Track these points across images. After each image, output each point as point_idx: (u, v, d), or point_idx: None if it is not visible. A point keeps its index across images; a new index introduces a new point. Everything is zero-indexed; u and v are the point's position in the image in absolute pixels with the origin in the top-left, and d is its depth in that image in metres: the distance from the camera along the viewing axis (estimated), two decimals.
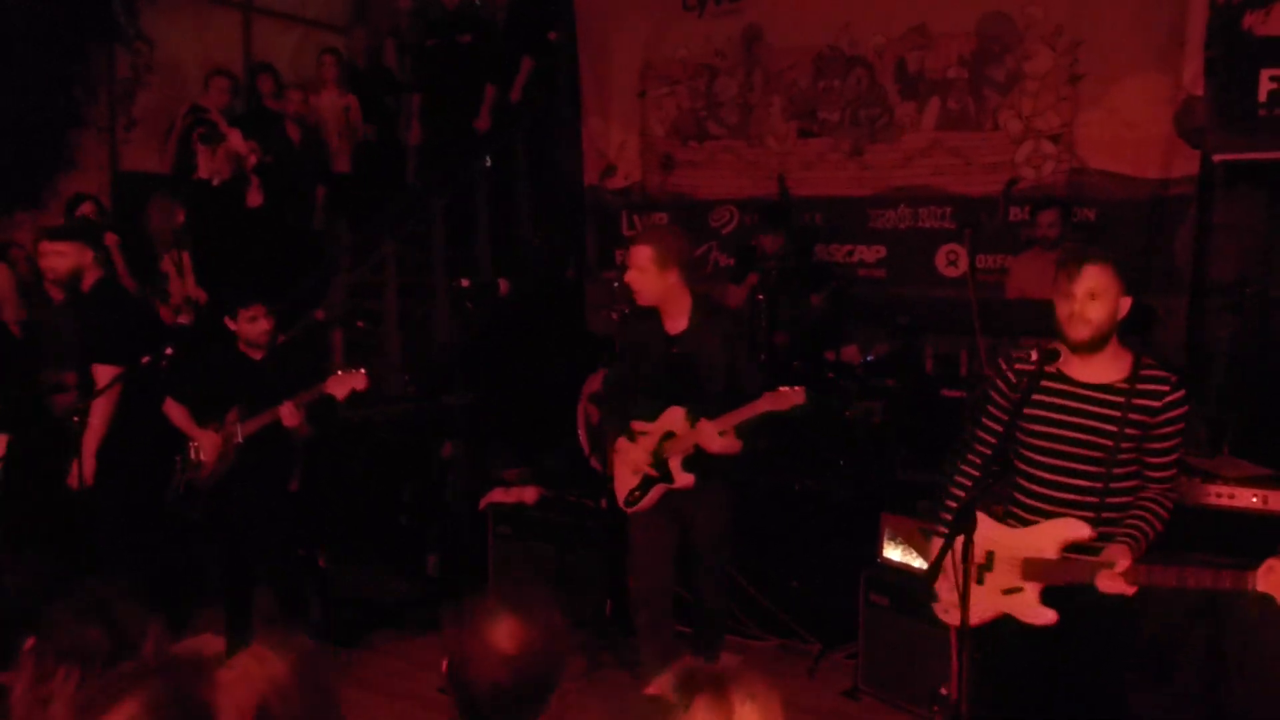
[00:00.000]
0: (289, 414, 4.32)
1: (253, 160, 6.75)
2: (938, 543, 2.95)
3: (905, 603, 4.34)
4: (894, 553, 4.55)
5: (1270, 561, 2.68)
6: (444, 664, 2.02)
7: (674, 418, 3.98)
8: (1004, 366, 3.18)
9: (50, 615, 2.18)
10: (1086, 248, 3.44)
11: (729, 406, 3.85)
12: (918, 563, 4.44)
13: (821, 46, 7.10)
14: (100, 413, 4.45)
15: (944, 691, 4.02)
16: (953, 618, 3.00)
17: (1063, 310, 2.96)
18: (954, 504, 3.10)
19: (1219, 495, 4.05)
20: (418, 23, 8.15)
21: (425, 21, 8.03)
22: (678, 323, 4.03)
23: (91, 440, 4.44)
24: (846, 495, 5.52)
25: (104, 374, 4.46)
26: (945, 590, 3.05)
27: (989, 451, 3.15)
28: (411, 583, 5.70)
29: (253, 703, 1.96)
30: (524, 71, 7.66)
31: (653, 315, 4.07)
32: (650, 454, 4.02)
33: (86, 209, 5.81)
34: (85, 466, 4.42)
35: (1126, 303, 2.97)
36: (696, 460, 3.95)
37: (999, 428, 3.12)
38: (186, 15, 7.38)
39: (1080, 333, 2.93)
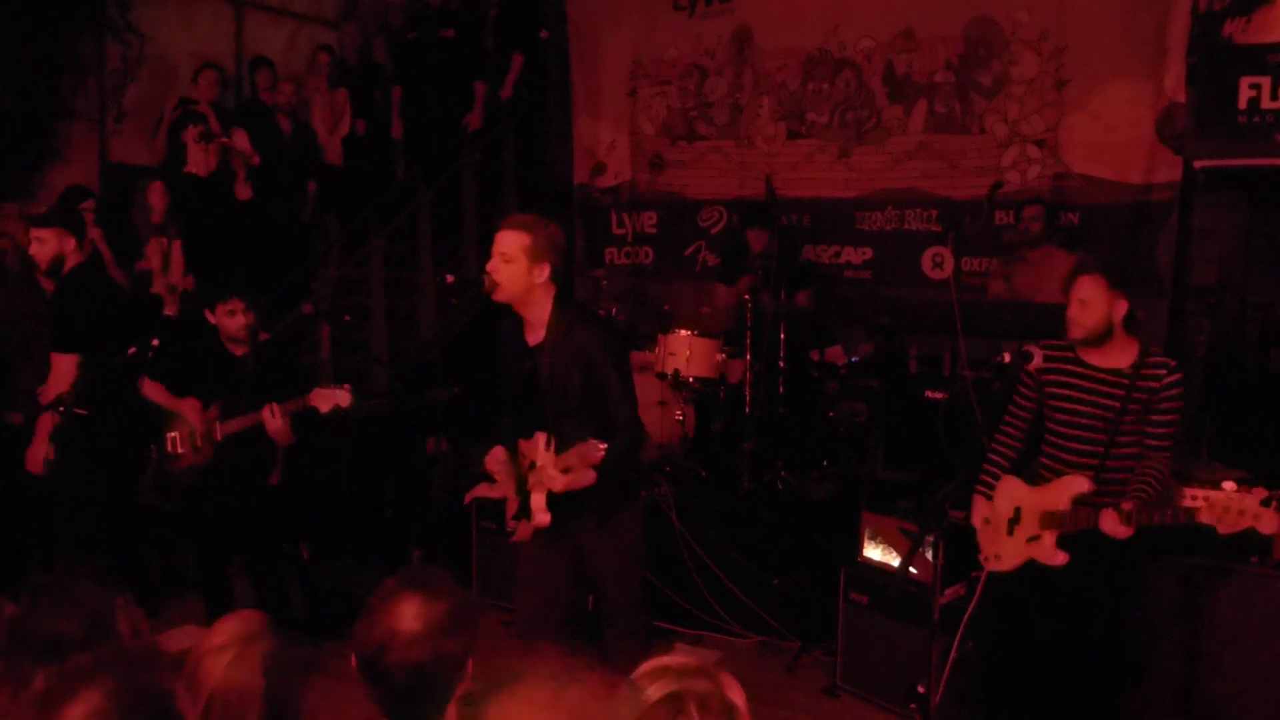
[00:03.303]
0: (270, 420, 4.33)
1: (255, 161, 6.77)
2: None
3: (884, 601, 4.38)
4: (874, 552, 4.59)
5: (1208, 493, 3.24)
6: (352, 662, 2.03)
7: (538, 445, 3.50)
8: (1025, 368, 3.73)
9: (18, 617, 2.17)
10: (1085, 261, 3.62)
11: (591, 435, 3.35)
12: (897, 562, 4.49)
13: (811, 48, 7.13)
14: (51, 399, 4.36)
15: (921, 690, 4.05)
16: (993, 565, 3.69)
17: (1067, 312, 3.53)
18: (987, 477, 3.77)
19: (1193, 498, 4.07)
20: (407, 17, 8.16)
21: (411, 16, 8.04)
22: (536, 333, 3.56)
23: (44, 426, 4.38)
24: (828, 494, 5.56)
25: (60, 363, 4.41)
26: (985, 545, 3.71)
27: (1017, 429, 3.79)
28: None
29: (258, 681, 2.00)
30: (515, 69, 7.68)
31: (519, 318, 3.60)
32: (520, 483, 3.57)
33: (87, 205, 5.80)
34: (36, 451, 4.39)
35: (1122, 305, 3.48)
36: (555, 497, 3.46)
37: (1022, 413, 3.77)
38: (178, 8, 7.37)
39: (1074, 332, 3.52)
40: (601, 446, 3.32)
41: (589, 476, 3.42)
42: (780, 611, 4.98)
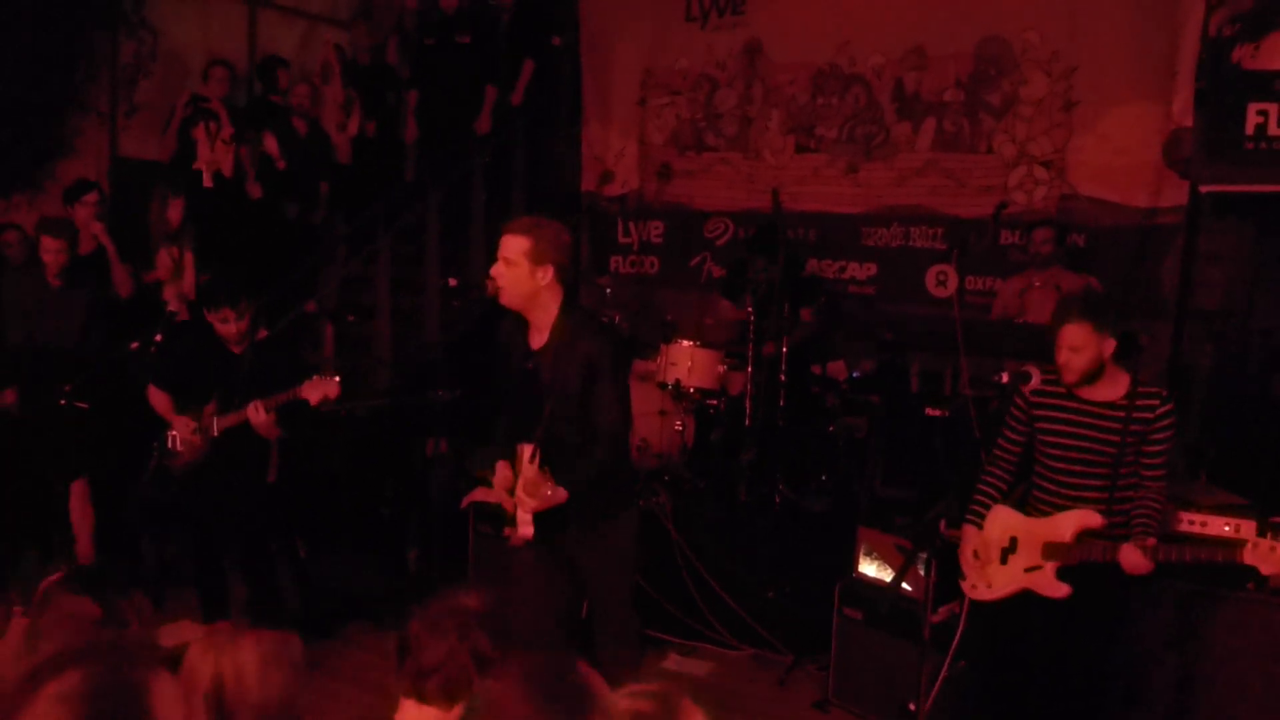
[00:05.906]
0: (255, 414, 4.35)
1: (282, 165, 6.79)
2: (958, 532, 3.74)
3: (877, 617, 4.37)
4: (869, 567, 4.58)
5: (1254, 539, 3.24)
6: None
7: (523, 458, 3.42)
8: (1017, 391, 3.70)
9: (46, 590, 2.21)
10: (1069, 305, 3.55)
11: (584, 442, 3.33)
12: (891, 578, 4.48)
13: (821, 63, 7.15)
14: None
15: (912, 707, 4.04)
16: (978, 594, 3.67)
17: (1057, 358, 3.49)
18: (977, 506, 3.72)
19: (1191, 522, 4.07)
20: (422, 21, 8.19)
21: (426, 20, 8.08)
22: (540, 335, 3.51)
23: None
24: (825, 507, 5.56)
25: None
26: (970, 571, 3.68)
27: (1008, 459, 3.74)
28: (390, 577, 5.72)
29: (207, 683, 1.99)
30: (526, 74, 7.70)
31: (522, 320, 3.56)
32: (507, 491, 3.52)
33: (90, 198, 5.80)
34: None
35: (1110, 344, 3.44)
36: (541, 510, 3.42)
37: (1013, 445, 3.72)
38: (192, 5, 7.41)
39: (1068, 378, 3.50)
40: (563, 494, 3.36)
41: (561, 495, 3.39)
42: (774, 624, 4.97)
